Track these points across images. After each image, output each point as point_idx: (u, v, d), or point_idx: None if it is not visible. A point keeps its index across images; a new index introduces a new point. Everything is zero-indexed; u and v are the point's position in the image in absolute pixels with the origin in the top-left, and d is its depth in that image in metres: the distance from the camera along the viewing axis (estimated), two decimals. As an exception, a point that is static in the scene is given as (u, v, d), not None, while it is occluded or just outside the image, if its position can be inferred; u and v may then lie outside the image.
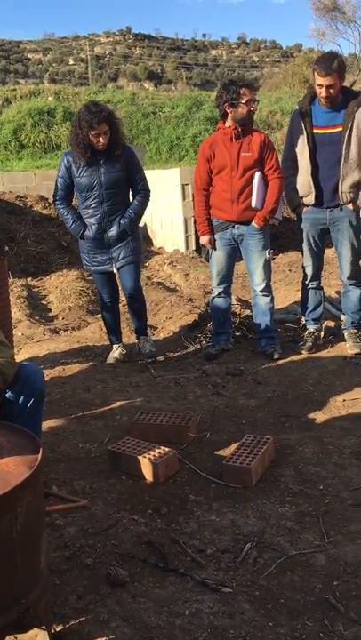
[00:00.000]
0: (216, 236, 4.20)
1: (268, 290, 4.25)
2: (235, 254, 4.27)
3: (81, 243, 4.22)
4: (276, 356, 4.15)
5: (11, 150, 17.04)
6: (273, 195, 4.02)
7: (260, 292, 4.23)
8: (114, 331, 4.45)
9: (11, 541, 1.50)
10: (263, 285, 4.21)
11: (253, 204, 4.01)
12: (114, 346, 4.42)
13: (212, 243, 4.23)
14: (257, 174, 3.99)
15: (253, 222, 4.06)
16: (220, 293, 4.33)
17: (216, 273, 4.29)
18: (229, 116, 3.96)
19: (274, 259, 7.81)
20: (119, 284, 4.39)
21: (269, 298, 4.26)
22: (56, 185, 4.14)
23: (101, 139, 3.85)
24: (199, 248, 4.47)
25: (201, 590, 1.94)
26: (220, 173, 4.05)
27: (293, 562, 2.08)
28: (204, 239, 4.27)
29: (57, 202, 4.17)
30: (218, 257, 4.25)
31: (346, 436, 2.99)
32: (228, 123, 3.99)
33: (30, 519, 1.56)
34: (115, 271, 4.23)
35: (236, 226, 4.12)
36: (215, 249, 4.23)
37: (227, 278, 4.31)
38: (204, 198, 4.18)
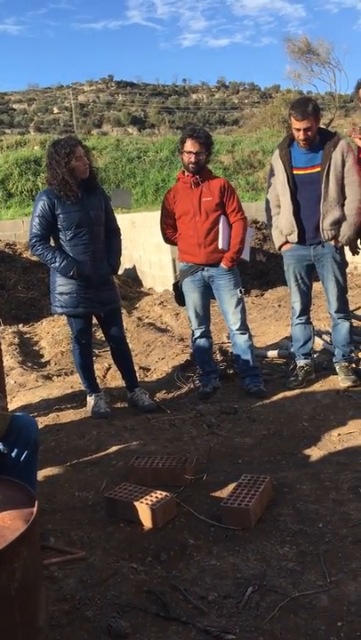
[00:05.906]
0: (188, 280, 4.29)
1: (244, 327, 4.31)
2: (208, 294, 4.36)
3: (62, 284, 3.97)
4: (260, 395, 4.16)
5: (-2, 200, 17.30)
6: (237, 235, 4.16)
7: (237, 330, 4.28)
8: (94, 377, 4.30)
9: (9, 598, 1.48)
10: (239, 324, 4.27)
11: (220, 246, 4.13)
12: (94, 395, 4.17)
13: None
14: (222, 217, 4.14)
15: (222, 264, 4.17)
16: (202, 334, 4.38)
17: (195, 315, 4.35)
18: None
19: (248, 294, 7.90)
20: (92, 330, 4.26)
21: (247, 335, 4.31)
22: (34, 226, 3.93)
23: (83, 162, 3.84)
24: (179, 297, 4.51)
25: (204, 638, 1.91)
26: (183, 218, 4.18)
27: (296, 604, 2.05)
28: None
29: (37, 243, 3.92)
30: (193, 299, 4.32)
31: (343, 472, 2.99)
32: (187, 171, 4.17)
33: (28, 574, 1.54)
34: (102, 315, 4.11)
35: (205, 268, 4.23)
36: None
37: (205, 319, 4.39)
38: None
